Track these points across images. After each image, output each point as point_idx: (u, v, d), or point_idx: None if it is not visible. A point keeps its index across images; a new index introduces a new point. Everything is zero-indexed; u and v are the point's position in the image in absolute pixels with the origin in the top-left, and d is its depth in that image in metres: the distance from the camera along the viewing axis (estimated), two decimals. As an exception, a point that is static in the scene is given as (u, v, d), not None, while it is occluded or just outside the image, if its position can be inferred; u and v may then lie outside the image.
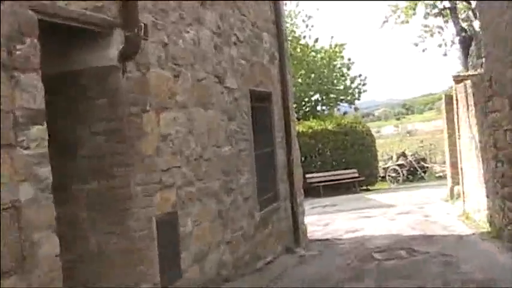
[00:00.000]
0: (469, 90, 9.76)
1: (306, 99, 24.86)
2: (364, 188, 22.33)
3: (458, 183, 14.30)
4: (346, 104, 25.57)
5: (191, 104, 5.90)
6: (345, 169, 21.62)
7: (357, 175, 21.41)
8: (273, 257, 8.21)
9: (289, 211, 9.28)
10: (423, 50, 24.79)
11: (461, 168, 11.65)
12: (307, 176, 20.54)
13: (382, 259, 8.17)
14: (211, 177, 6.30)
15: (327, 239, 10.57)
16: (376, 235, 10.41)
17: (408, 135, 47.04)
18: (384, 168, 26.49)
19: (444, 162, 27.73)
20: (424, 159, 27.84)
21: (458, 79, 11.59)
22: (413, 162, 26.54)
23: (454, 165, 14.75)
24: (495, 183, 8.36)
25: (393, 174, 25.74)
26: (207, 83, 6.39)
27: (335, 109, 24.63)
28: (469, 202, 11.06)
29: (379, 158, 25.94)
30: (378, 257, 8.32)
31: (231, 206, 6.86)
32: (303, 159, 20.87)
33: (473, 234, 9.49)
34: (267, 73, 8.86)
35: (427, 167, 27.15)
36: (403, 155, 27.47)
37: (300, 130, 20.71)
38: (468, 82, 10.14)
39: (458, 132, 11.68)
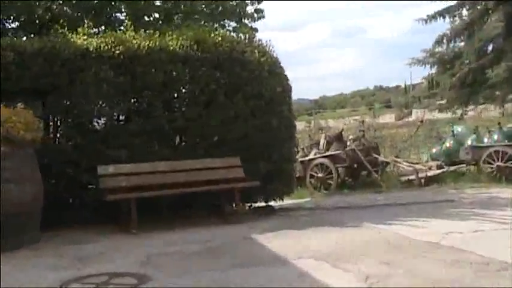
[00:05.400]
0: None
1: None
2: (262, 204, 10.40)
3: None
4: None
5: None
6: (210, 156, 9.45)
7: (240, 174, 8.88)
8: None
9: None
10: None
11: None
12: (103, 171, 8.51)
13: None
14: None
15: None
16: None
17: (321, 132, 39.01)
18: (301, 162, 14.81)
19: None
20: (376, 149, 16.04)
21: None
22: (358, 153, 14.78)
23: None
24: None
25: (320, 175, 14.49)
26: None
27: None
28: None
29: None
30: None
31: None
32: (97, 122, 8.70)
33: None
34: None
35: (384, 164, 15.60)
36: (339, 138, 15.16)
37: (82, 47, 8.09)
38: None
39: None
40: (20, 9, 12.07)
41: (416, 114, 43.04)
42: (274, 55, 10.31)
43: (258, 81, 9.63)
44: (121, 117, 9.08)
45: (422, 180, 14.18)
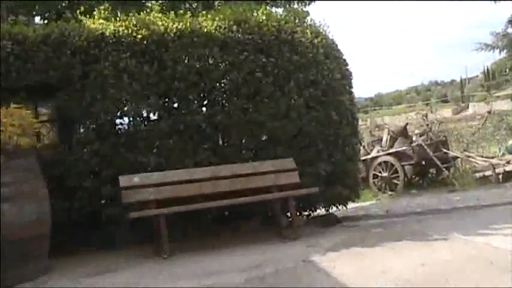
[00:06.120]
0: None
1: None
2: (322, 212, 8.53)
3: None
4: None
5: None
6: (259, 159, 7.60)
7: (294, 179, 6.95)
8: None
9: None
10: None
11: None
12: (126, 182, 6.71)
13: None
14: None
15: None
16: None
17: (377, 129, 37.67)
18: (363, 161, 12.81)
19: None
20: (445, 143, 13.96)
21: None
22: (426, 149, 12.94)
23: None
24: None
25: (384, 174, 12.89)
26: None
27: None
28: None
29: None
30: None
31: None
32: (119, 123, 6.60)
33: None
34: None
35: (455, 159, 13.60)
36: (403, 133, 13.85)
37: (97, 33, 7.18)
38: None
39: None
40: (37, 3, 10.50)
41: (473, 108, 40.97)
42: (330, 36, 8.41)
43: (312, 66, 7.78)
44: (148, 116, 7.27)
45: (500, 176, 12.28)
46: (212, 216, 7.36)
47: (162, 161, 7.01)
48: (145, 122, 7.23)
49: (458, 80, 70.74)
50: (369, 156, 13.38)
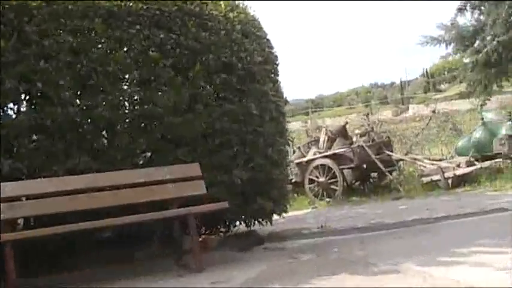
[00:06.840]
0: None
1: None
2: (245, 228, 6.96)
3: None
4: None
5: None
6: (154, 164, 5.76)
7: (198, 190, 5.06)
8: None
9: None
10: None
11: None
12: None
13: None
14: None
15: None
16: None
17: (318, 131, 37.38)
18: (298, 165, 12.12)
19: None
20: (388, 145, 12.73)
21: None
22: (368, 150, 11.73)
23: None
24: None
25: (321, 179, 11.60)
26: None
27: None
28: None
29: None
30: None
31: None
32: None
33: None
34: None
35: (399, 161, 12.54)
36: (343, 134, 12.62)
37: None
38: None
39: None
40: None
41: (413, 109, 41.29)
42: (252, 13, 6.78)
43: (225, 46, 6.16)
44: (2, 107, 5.42)
45: (450, 181, 11.05)
46: (97, 239, 5.59)
47: (21, 167, 5.17)
48: (-1, 115, 5.37)
49: (398, 82, 71.20)
50: (305, 159, 12.07)
